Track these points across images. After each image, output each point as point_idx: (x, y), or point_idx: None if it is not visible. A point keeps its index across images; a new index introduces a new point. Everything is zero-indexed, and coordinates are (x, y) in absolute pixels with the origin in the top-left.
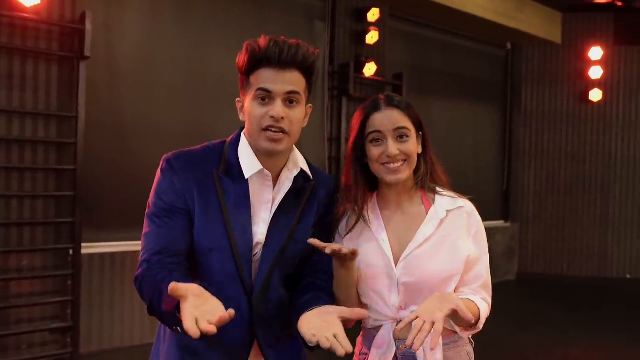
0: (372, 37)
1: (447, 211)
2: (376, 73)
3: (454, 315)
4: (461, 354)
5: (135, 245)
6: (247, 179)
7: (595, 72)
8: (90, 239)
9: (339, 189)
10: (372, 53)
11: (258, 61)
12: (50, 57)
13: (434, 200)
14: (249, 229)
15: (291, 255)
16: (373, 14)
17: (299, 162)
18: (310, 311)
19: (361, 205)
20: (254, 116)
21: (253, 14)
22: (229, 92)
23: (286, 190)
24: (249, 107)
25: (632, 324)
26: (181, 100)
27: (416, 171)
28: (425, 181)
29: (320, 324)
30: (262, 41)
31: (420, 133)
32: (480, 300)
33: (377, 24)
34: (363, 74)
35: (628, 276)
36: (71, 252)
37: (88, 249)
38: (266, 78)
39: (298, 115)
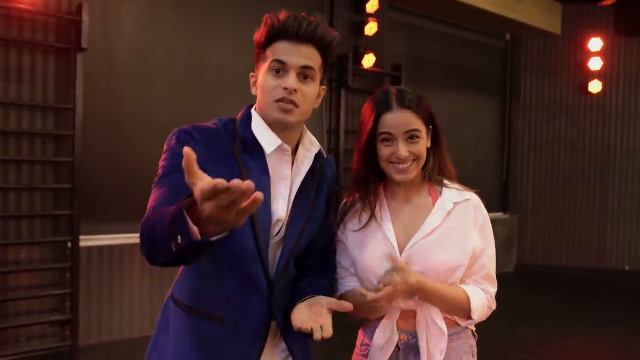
0: (370, 28)
1: (454, 203)
2: (375, 64)
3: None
4: (464, 346)
5: (133, 238)
6: (265, 155)
7: (595, 63)
8: (88, 231)
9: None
10: (371, 44)
11: (276, 34)
12: (47, 48)
13: (440, 192)
14: (268, 205)
15: (307, 236)
16: (372, 5)
17: (313, 140)
18: (302, 302)
19: (374, 203)
20: (267, 87)
21: (251, 5)
22: (228, 84)
23: (307, 169)
24: (262, 79)
25: (631, 315)
26: (179, 92)
27: (424, 164)
28: (433, 174)
29: (309, 315)
30: (282, 15)
31: (431, 127)
32: (475, 290)
33: (376, 15)
34: (362, 65)
35: (627, 267)
36: (69, 244)
37: (86, 241)
38: (282, 50)
39: (311, 91)
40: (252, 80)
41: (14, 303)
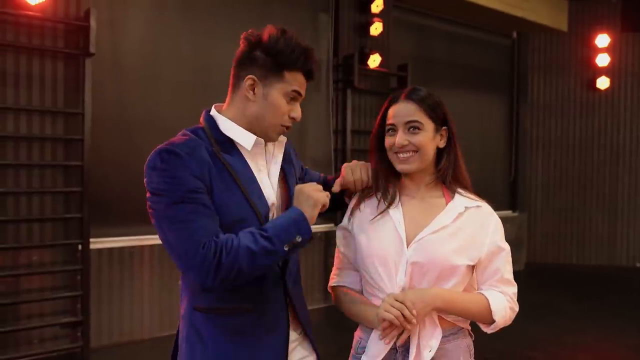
0: (376, 29)
1: (466, 207)
2: (381, 64)
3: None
4: (461, 347)
5: (143, 240)
6: (240, 151)
7: (603, 60)
8: (98, 234)
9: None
10: (377, 44)
11: (301, 66)
12: (56, 54)
13: (453, 196)
14: (262, 193)
15: None
16: (377, 5)
17: None
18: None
19: (391, 194)
20: (281, 111)
21: (257, 7)
22: None
23: (281, 154)
24: (276, 99)
25: None
26: (187, 96)
27: (437, 165)
28: (447, 175)
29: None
30: (309, 53)
31: (445, 128)
32: (494, 294)
33: (381, 15)
34: (367, 65)
35: (638, 265)
36: (80, 247)
37: (96, 244)
38: (302, 83)
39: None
40: (248, 82)
41: (26, 305)
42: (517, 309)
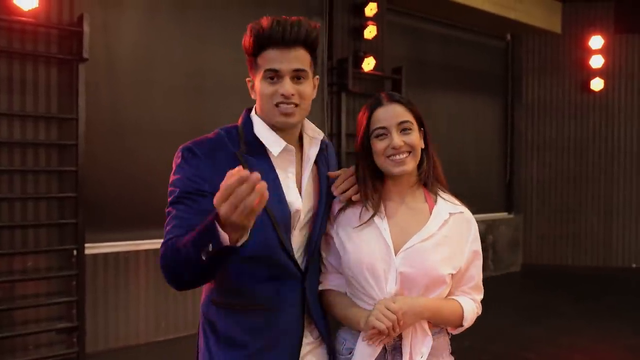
0: (370, 32)
1: (450, 213)
2: (375, 68)
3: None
4: (443, 344)
5: (138, 245)
6: (269, 155)
7: (596, 61)
8: (93, 239)
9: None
10: (371, 47)
11: (263, 43)
12: (49, 59)
13: (436, 200)
14: (283, 198)
15: (324, 217)
16: (371, 9)
17: (315, 128)
18: None
19: (376, 201)
20: (265, 95)
21: (251, 12)
22: (229, 90)
23: (315, 154)
24: (259, 86)
25: (638, 314)
26: (181, 100)
27: (419, 167)
28: (429, 176)
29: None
30: (265, 22)
31: (422, 129)
32: (466, 301)
33: (375, 18)
34: (362, 68)
35: (634, 265)
36: (75, 252)
37: (91, 249)
38: (273, 58)
39: (307, 90)
40: (249, 85)
41: (22, 311)
42: (480, 312)
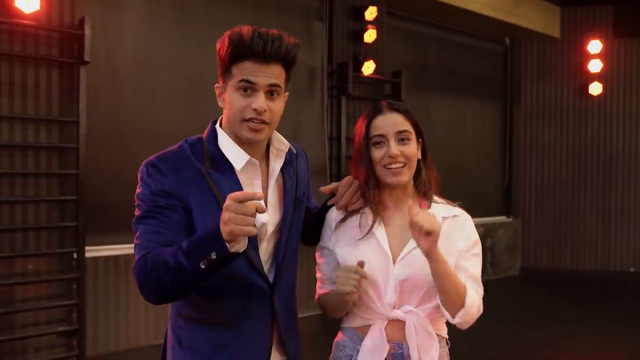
0: (370, 36)
1: (443, 218)
2: (375, 71)
3: (429, 254)
4: (442, 354)
5: None
6: (233, 168)
7: (595, 66)
8: (94, 242)
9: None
10: (371, 51)
11: (241, 53)
12: (51, 62)
13: (429, 206)
14: None
15: (297, 228)
16: (370, 13)
17: (282, 139)
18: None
19: (377, 207)
20: (236, 107)
21: (251, 15)
22: None
23: (279, 167)
24: (230, 96)
25: (637, 317)
26: (181, 103)
27: (417, 176)
28: (427, 188)
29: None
30: (246, 33)
31: (420, 139)
32: (470, 286)
33: (375, 22)
34: (362, 72)
35: (632, 269)
36: (75, 255)
37: (92, 252)
38: (249, 70)
39: (278, 106)
40: (217, 91)
41: (22, 314)
42: (482, 310)
